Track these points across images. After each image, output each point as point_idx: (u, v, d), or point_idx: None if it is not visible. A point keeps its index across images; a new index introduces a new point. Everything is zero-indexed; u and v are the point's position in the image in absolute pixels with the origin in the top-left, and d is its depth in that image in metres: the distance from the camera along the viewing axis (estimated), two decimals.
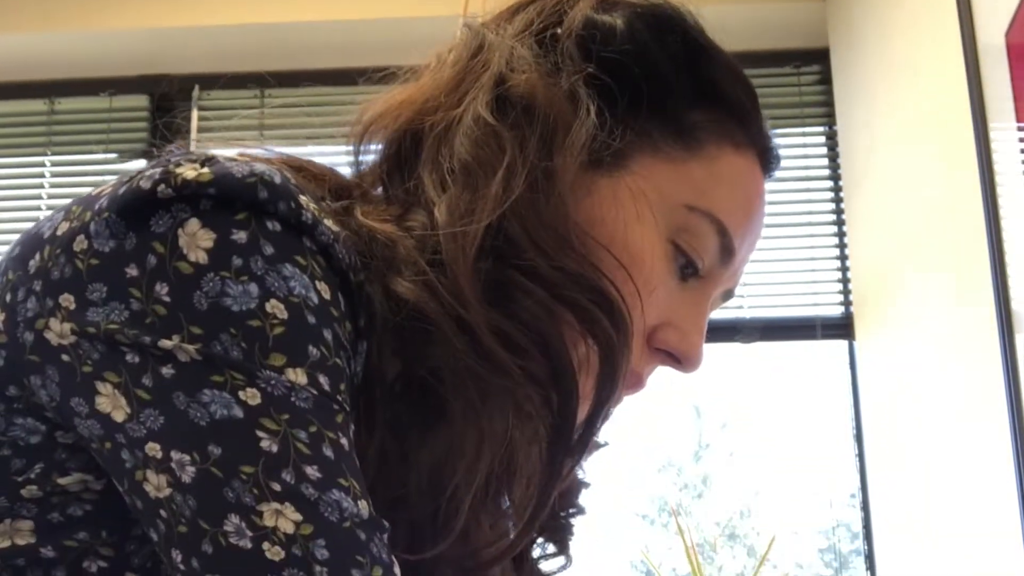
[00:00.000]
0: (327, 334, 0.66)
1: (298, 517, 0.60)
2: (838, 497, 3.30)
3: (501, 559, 0.77)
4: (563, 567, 0.97)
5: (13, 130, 3.59)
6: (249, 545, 0.59)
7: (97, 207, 0.66)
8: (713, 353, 3.32)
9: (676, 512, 3.19)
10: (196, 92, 3.49)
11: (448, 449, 0.72)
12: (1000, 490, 2.32)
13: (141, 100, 3.56)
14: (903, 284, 2.95)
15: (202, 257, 0.64)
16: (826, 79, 3.42)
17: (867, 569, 3.13)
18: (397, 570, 0.63)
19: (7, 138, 3.58)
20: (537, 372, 0.73)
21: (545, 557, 0.95)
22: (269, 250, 0.65)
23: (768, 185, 0.89)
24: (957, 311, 2.59)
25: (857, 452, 3.20)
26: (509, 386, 0.72)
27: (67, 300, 0.64)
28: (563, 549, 0.96)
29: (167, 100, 3.52)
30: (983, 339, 2.40)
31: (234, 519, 0.60)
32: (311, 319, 0.65)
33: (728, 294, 0.89)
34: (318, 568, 0.59)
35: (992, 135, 2.32)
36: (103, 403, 0.63)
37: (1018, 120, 2.18)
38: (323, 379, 0.65)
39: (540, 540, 0.94)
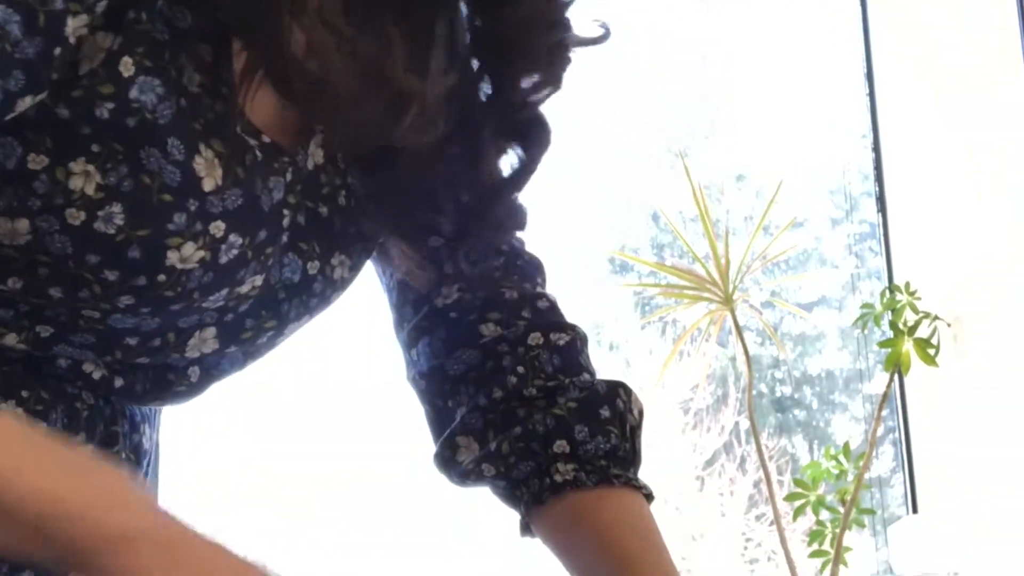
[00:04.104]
0: None
1: None
2: (848, 138, 3.25)
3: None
4: (550, 94, 0.92)
5: None
6: None
7: None
8: None
9: (682, 154, 3.14)
10: None
11: None
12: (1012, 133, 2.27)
13: None
14: None
15: None
16: None
17: (878, 211, 3.11)
18: None
19: None
20: None
21: (528, 91, 0.91)
22: None
23: None
24: None
25: (868, 91, 3.13)
26: None
27: None
28: (552, 81, 0.91)
29: None
30: None
31: None
32: None
33: None
34: None
35: None
36: None
37: None
38: None
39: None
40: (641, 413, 0.95)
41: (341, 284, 0.87)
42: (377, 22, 0.76)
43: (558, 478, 0.90)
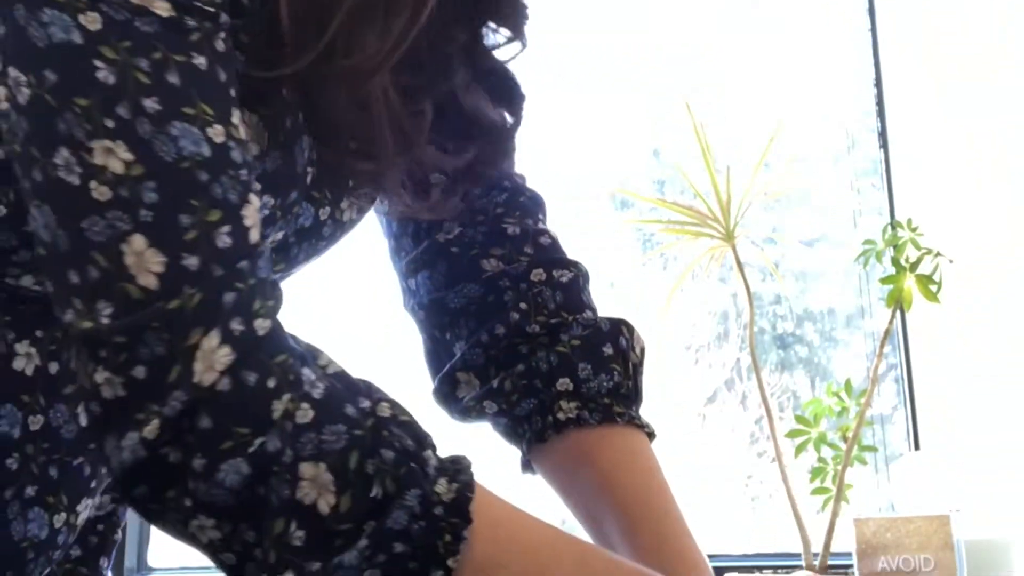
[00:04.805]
0: None
1: (129, 156, 0.57)
2: (850, 73, 3.22)
3: (380, 68, 0.76)
4: (519, 52, 0.96)
5: None
6: (77, 182, 0.57)
7: None
8: None
9: (683, 90, 3.12)
10: None
11: None
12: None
13: None
14: None
15: None
16: None
17: (880, 147, 3.09)
18: (249, 210, 0.62)
19: None
20: None
21: (498, 46, 0.95)
22: None
23: None
24: None
25: (870, 27, 3.11)
26: None
27: None
28: (517, 33, 0.95)
29: None
30: None
31: (64, 152, 0.57)
32: None
33: None
34: (143, 212, 0.57)
35: None
36: None
37: None
38: None
39: (493, 25, 0.94)
40: (643, 351, 0.94)
41: (349, 225, 0.88)
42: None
43: (561, 416, 0.90)
